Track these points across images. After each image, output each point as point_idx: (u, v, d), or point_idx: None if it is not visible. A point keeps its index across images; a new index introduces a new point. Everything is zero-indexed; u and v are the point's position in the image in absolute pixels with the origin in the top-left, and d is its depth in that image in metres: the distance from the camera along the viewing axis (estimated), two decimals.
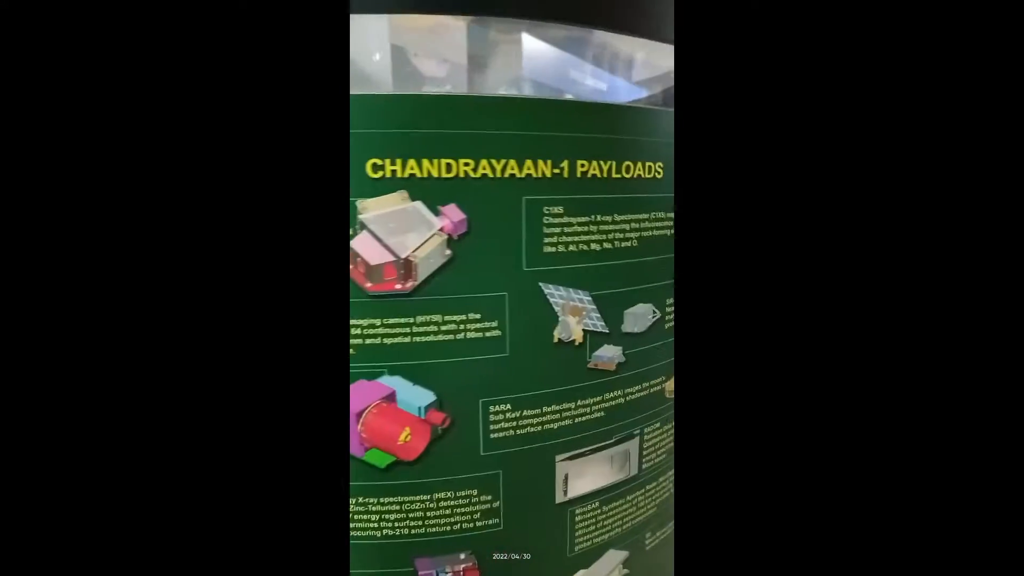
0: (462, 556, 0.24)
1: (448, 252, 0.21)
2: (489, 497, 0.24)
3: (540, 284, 0.23)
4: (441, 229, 0.21)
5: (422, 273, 0.21)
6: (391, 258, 0.21)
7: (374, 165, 0.20)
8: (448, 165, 0.21)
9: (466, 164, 0.21)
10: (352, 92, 0.19)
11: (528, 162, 0.22)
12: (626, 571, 0.28)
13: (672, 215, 0.26)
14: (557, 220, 0.23)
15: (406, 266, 0.21)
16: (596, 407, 0.25)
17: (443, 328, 0.22)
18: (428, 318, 0.22)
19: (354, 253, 0.21)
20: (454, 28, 0.26)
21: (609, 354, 0.25)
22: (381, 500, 0.23)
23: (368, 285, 0.21)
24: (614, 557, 0.28)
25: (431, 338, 0.22)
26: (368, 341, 0.21)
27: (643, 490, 0.28)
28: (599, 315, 0.24)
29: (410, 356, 0.22)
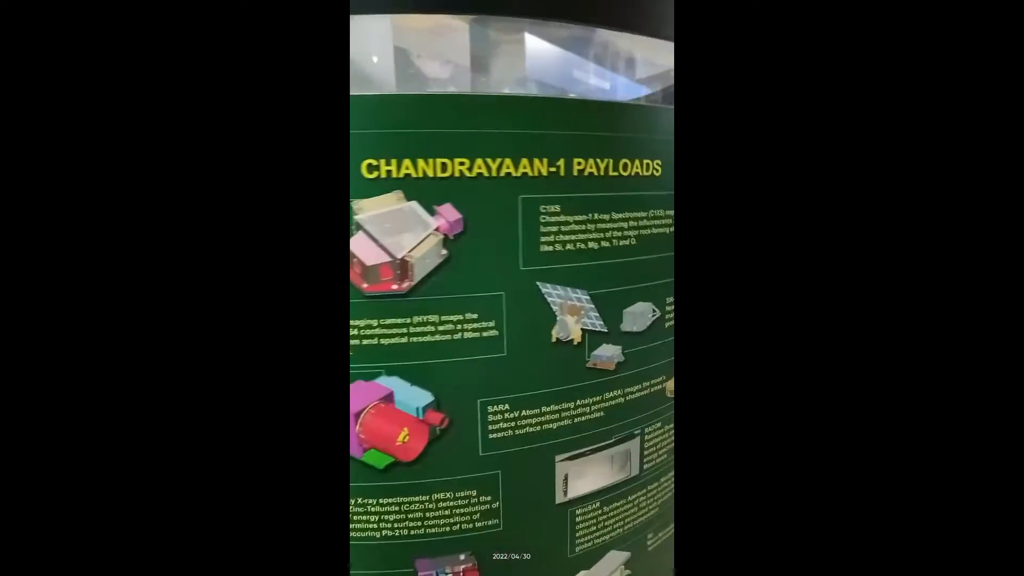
0: (462, 557, 0.24)
1: (444, 252, 0.21)
2: (488, 498, 0.24)
3: (537, 283, 0.23)
4: (437, 229, 0.21)
5: (418, 273, 0.21)
6: (387, 258, 0.21)
7: (369, 166, 0.20)
8: (443, 164, 0.21)
9: (461, 163, 0.21)
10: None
11: (524, 161, 0.22)
12: (628, 572, 0.28)
13: (671, 213, 0.26)
14: (554, 219, 0.22)
15: (402, 266, 0.21)
16: (595, 407, 0.25)
17: (440, 328, 0.22)
18: (425, 318, 0.22)
19: (350, 254, 0.21)
20: (457, 29, 0.25)
21: (608, 353, 0.25)
22: (380, 501, 0.23)
23: (364, 286, 0.21)
24: (616, 558, 0.27)
25: (428, 338, 0.22)
26: (365, 342, 0.21)
27: (644, 490, 0.28)
28: (597, 314, 0.24)
29: (407, 356, 0.22)
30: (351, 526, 0.23)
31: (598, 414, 0.25)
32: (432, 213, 0.21)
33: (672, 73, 0.30)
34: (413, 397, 0.22)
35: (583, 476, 0.25)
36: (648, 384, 0.27)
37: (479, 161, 0.21)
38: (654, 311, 0.26)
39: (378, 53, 0.25)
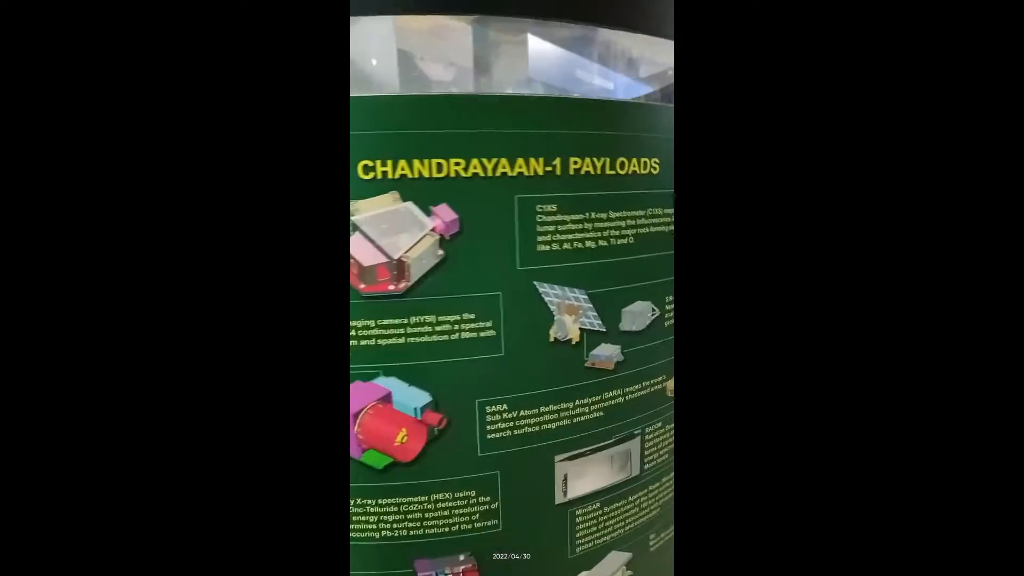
0: (461, 557, 0.24)
1: (441, 252, 0.21)
2: (488, 498, 0.24)
3: (535, 283, 0.23)
4: (433, 229, 0.21)
5: (415, 274, 0.21)
6: (384, 259, 0.21)
7: (365, 167, 0.20)
8: (439, 165, 0.21)
9: (457, 164, 0.21)
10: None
11: (519, 160, 0.21)
12: (630, 573, 0.28)
13: (670, 211, 0.26)
14: (550, 218, 0.22)
15: (399, 267, 0.21)
16: (595, 407, 0.25)
17: (437, 329, 0.22)
18: (422, 319, 0.22)
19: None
20: (459, 30, 0.26)
21: (607, 353, 0.25)
22: (379, 501, 0.23)
23: (362, 286, 0.21)
24: (617, 559, 0.27)
25: (425, 339, 0.22)
26: (363, 342, 0.21)
27: (646, 491, 0.28)
28: (596, 313, 0.24)
29: (405, 357, 0.22)
30: (350, 526, 0.23)
31: (597, 414, 0.25)
32: (428, 214, 0.21)
33: (670, 71, 0.30)
34: (411, 397, 0.22)
35: (583, 476, 0.25)
36: (648, 384, 0.27)
37: (475, 161, 0.21)
38: (653, 310, 0.26)
39: (382, 56, 0.25)
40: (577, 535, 0.26)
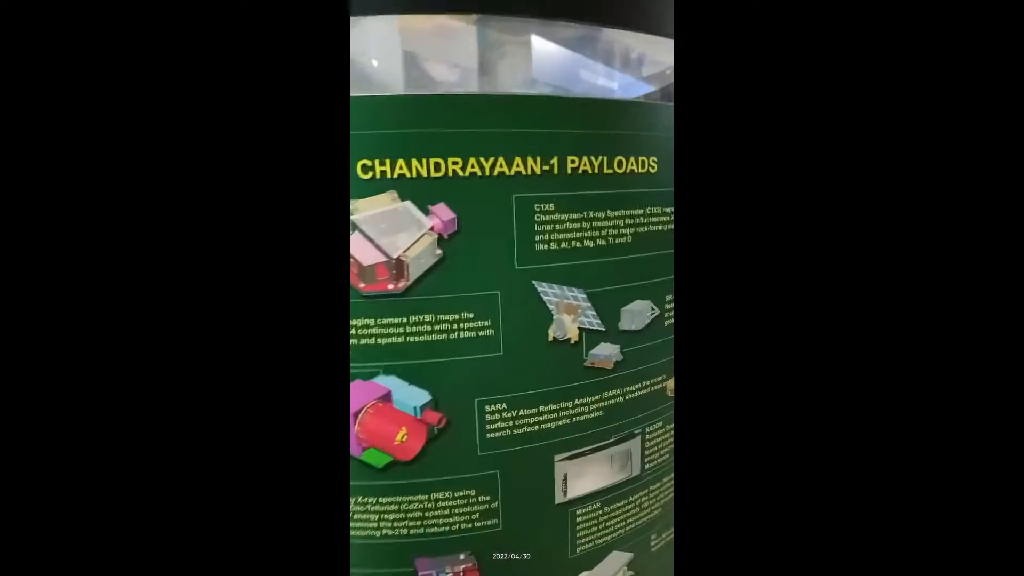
0: (462, 556, 0.24)
1: (439, 252, 0.21)
2: (487, 497, 0.24)
3: (533, 282, 0.23)
4: (431, 228, 0.21)
5: (414, 273, 0.21)
6: (383, 258, 0.21)
7: (364, 166, 0.20)
8: (437, 164, 0.21)
9: (455, 163, 0.21)
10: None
11: (517, 159, 0.22)
12: (631, 573, 0.28)
13: (669, 210, 0.26)
14: (548, 217, 0.22)
15: (398, 266, 0.21)
16: (594, 406, 0.25)
17: (436, 328, 0.22)
18: (421, 318, 0.22)
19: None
20: (462, 31, 0.26)
21: (606, 352, 0.25)
22: (380, 500, 0.23)
23: (361, 285, 0.21)
24: (618, 559, 0.27)
25: (425, 338, 0.22)
26: (363, 341, 0.22)
27: (646, 491, 0.28)
28: (595, 313, 0.24)
29: (404, 356, 0.22)
30: (350, 525, 0.23)
31: (597, 413, 0.25)
32: (426, 213, 0.21)
33: (670, 70, 0.30)
34: (411, 396, 0.22)
35: (583, 476, 0.25)
36: (648, 383, 0.27)
37: (472, 160, 0.21)
38: (653, 309, 0.26)
39: (387, 57, 0.25)
40: (577, 535, 0.26)
